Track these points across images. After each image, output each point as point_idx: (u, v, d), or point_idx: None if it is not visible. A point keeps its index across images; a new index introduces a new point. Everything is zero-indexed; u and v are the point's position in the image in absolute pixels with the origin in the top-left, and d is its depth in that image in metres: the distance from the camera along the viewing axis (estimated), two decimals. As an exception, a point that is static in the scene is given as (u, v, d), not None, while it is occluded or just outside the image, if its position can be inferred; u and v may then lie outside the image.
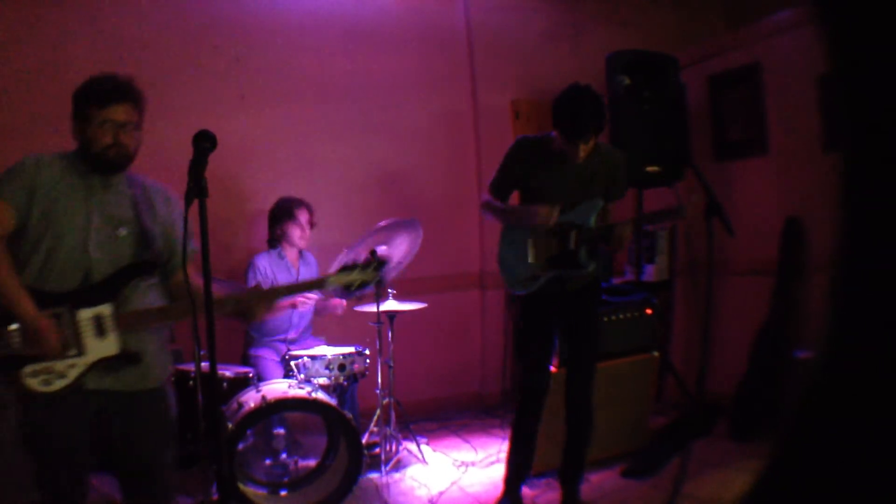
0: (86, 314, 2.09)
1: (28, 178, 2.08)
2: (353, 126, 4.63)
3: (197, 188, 1.81)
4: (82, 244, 2.12)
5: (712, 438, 3.93)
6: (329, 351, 3.55)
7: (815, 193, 3.58)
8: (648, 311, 3.83)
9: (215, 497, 2.95)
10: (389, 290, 3.84)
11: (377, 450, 3.76)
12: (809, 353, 0.67)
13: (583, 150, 2.84)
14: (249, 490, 3.26)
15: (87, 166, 2.16)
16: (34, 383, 2.03)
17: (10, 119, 3.75)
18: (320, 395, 3.22)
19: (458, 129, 4.95)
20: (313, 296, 3.81)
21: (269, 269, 3.87)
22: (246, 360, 3.86)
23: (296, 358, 3.48)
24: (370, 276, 2.41)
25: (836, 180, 0.64)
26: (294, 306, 3.78)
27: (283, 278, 3.84)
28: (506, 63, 4.96)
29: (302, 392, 3.21)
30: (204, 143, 1.83)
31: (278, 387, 3.27)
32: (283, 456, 3.38)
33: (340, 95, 4.60)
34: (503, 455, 3.41)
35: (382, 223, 3.57)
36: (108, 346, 2.11)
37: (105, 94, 2.12)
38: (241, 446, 3.19)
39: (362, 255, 3.58)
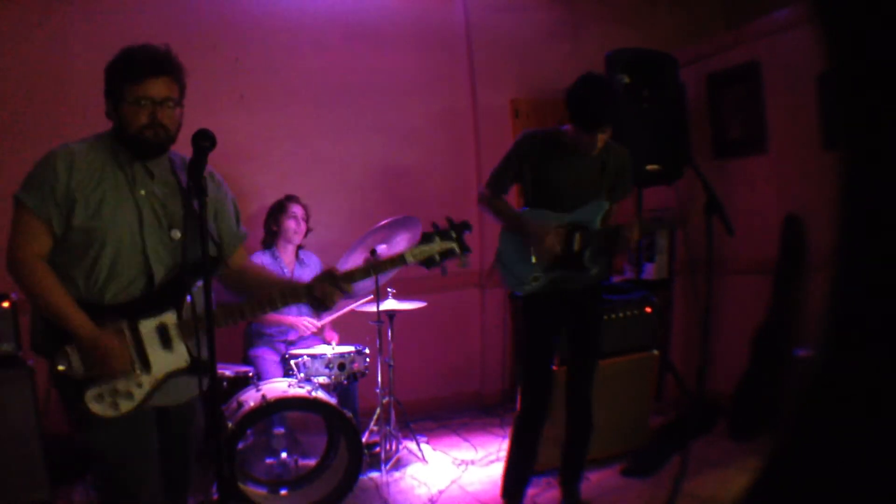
0: (148, 325, 1.91)
1: (62, 184, 1.85)
2: (353, 125, 4.63)
3: (196, 187, 1.80)
4: (138, 246, 1.92)
5: (712, 437, 3.93)
6: (329, 350, 3.55)
7: (815, 192, 3.58)
8: (648, 310, 3.82)
9: (215, 497, 2.96)
10: (389, 290, 3.84)
11: (377, 449, 3.76)
12: (809, 352, 0.67)
13: (600, 140, 2.79)
14: (249, 489, 3.26)
15: (126, 152, 1.94)
16: (101, 409, 1.84)
17: (10, 119, 3.75)
18: (320, 395, 3.22)
19: (458, 128, 4.95)
20: (314, 325, 3.83)
21: (264, 270, 3.88)
22: (246, 360, 3.87)
23: (296, 357, 3.48)
24: (451, 246, 2.14)
25: (835, 178, 0.64)
26: (294, 327, 3.82)
27: None
28: (505, 62, 4.96)
29: (302, 391, 3.21)
30: (203, 142, 1.81)
31: (278, 386, 3.27)
32: (283, 455, 3.38)
33: (340, 95, 4.59)
34: (503, 454, 3.41)
35: (382, 222, 3.57)
36: (177, 359, 1.94)
37: (140, 67, 1.88)
38: (241, 445, 3.20)
39: (381, 249, 3.54)
